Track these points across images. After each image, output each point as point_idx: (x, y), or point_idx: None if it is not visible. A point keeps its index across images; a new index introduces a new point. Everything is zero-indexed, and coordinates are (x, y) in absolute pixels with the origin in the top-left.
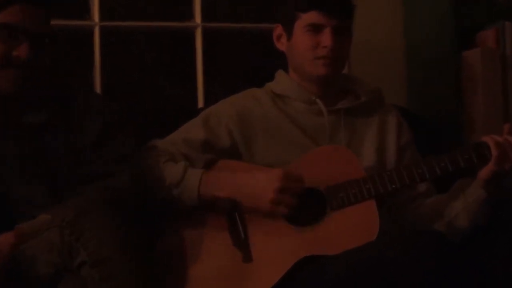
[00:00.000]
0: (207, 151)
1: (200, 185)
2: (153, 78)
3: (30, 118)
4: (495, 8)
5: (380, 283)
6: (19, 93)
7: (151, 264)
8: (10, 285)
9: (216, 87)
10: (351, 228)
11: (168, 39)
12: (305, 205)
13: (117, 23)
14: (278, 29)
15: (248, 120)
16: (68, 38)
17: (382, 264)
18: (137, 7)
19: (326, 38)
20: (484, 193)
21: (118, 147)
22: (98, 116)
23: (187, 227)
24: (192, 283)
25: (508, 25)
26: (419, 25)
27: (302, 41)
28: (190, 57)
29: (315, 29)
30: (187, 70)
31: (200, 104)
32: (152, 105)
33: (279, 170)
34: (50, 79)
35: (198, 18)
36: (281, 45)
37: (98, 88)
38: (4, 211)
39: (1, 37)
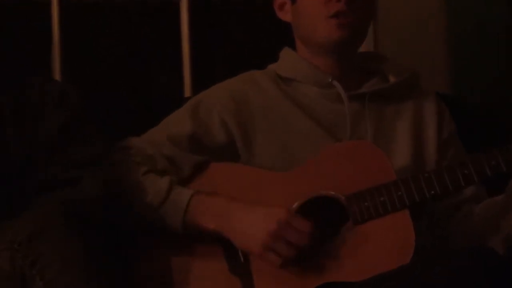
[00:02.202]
0: (196, 148)
1: (187, 213)
2: (129, 62)
3: None
4: None
5: None
6: None
7: None
8: None
9: (206, 72)
10: (379, 247)
11: (148, 14)
12: (320, 218)
13: None
14: None
15: (246, 110)
16: (21, 11)
17: None
18: None
19: None
20: None
21: (83, 147)
22: (57, 109)
23: (172, 248)
24: None
25: None
26: None
27: None
28: (174, 36)
29: None
30: (170, 52)
31: (188, 92)
32: (128, 94)
33: (282, 210)
34: None
35: None
36: (285, 14)
37: (57, 75)
38: None
39: None
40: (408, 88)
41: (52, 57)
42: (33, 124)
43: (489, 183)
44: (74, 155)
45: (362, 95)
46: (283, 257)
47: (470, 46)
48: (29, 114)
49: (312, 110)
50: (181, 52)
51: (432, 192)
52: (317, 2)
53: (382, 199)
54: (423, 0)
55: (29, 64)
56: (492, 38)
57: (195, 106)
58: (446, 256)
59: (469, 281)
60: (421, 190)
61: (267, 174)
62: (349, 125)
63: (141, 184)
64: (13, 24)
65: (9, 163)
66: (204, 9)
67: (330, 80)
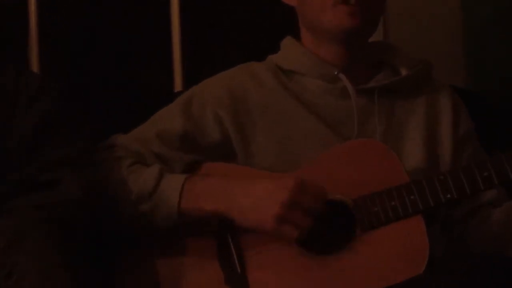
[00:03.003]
0: (188, 147)
1: (182, 197)
2: (114, 54)
3: None
4: None
5: None
6: None
7: None
8: None
9: (198, 65)
10: (390, 256)
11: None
12: (326, 224)
13: None
14: None
15: (244, 105)
16: None
17: None
18: None
19: None
20: None
21: (62, 145)
22: (34, 103)
23: (162, 258)
24: None
25: None
26: None
27: None
28: (164, 25)
29: None
30: (160, 42)
31: (178, 86)
32: (113, 89)
33: (291, 178)
34: None
35: None
36: None
37: (35, 67)
38: None
39: None
40: (420, 82)
41: (29, 49)
42: (5, 118)
43: (510, 184)
44: (52, 155)
45: (371, 89)
46: (300, 228)
47: (489, 36)
48: (2, 110)
49: (316, 106)
50: (171, 43)
51: (448, 196)
52: None
53: (393, 204)
54: None
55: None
56: None
57: (187, 101)
58: (462, 267)
59: None
60: (436, 193)
61: (266, 175)
62: (357, 122)
63: (126, 178)
64: None
65: None
66: None
67: (336, 73)
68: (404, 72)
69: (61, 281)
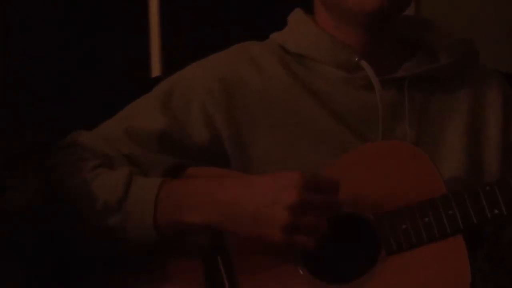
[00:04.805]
0: (168, 149)
1: (158, 208)
2: (78, 33)
3: None
4: None
5: None
6: None
7: None
8: None
9: (180, 45)
10: (422, 286)
11: None
12: (343, 246)
13: None
14: None
15: (240, 98)
16: None
17: None
18: None
19: None
20: None
21: (8, 143)
22: None
23: (136, 283)
24: None
25: None
26: None
27: None
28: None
29: None
30: (135, 20)
31: (156, 71)
32: (75, 74)
33: (295, 174)
34: None
35: None
36: None
37: None
38: None
39: None
40: (464, 69)
41: None
42: None
43: None
44: None
45: (401, 80)
46: (316, 234)
47: None
48: None
49: (332, 100)
50: (148, 19)
51: (496, 211)
52: None
53: (427, 220)
54: None
55: None
56: None
57: (168, 92)
58: None
59: None
60: (480, 208)
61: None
62: (382, 120)
63: (90, 182)
64: None
65: None
66: None
67: (356, 59)
68: (443, 57)
69: None
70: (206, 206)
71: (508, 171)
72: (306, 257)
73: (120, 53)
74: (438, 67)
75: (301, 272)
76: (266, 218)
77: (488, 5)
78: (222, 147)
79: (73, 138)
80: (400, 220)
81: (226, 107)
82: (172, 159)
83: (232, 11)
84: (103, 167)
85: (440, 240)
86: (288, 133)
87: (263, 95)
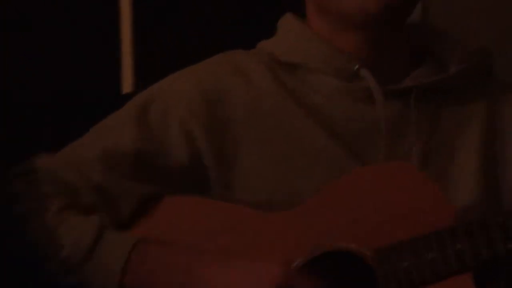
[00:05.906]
0: (142, 174)
1: (127, 274)
2: (46, 45)
3: None
4: None
5: None
6: None
7: None
8: None
9: (155, 56)
10: None
11: None
12: (336, 285)
13: None
14: None
15: (224, 113)
16: None
17: None
18: None
19: None
20: None
21: None
22: None
23: None
24: None
25: None
26: None
27: None
28: (111, 9)
29: None
30: (105, 31)
31: (127, 87)
32: (42, 90)
33: (278, 269)
34: None
35: None
36: None
37: None
38: None
39: None
40: (477, 80)
41: None
42: None
43: None
44: None
45: (407, 90)
46: None
47: None
48: None
49: (327, 114)
50: (119, 31)
51: (510, 246)
52: None
53: (431, 257)
54: None
55: None
56: None
57: (143, 107)
58: None
59: None
60: (494, 241)
61: (255, 214)
62: (384, 138)
63: (53, 230)
64: None
65: None
66: None
67: (356, 67)
68: (454, 66)
69: None
70: (177, 282)
71: None
72: None
73: (90, 66)
74: (449, 77)
75: None
76: None
77: (498, 11)
78: (202, 167)
79: (31, 164)
80: (401, 256)
81: (207, 122)
82: (147, 185)
83: (213, 19)
84: (69, 208)
85: (446, 278)
86: (277, 150)
87: (250, 109)
